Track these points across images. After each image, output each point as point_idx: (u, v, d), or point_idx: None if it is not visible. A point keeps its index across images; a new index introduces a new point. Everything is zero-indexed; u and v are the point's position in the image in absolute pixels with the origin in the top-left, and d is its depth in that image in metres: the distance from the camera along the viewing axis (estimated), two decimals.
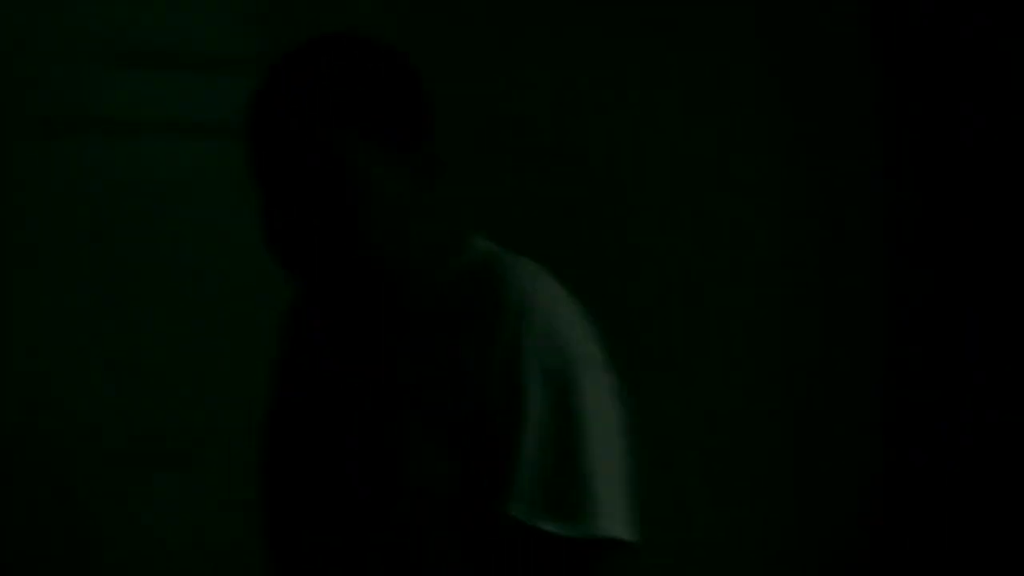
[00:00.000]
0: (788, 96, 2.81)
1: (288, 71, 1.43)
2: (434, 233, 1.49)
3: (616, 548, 1.39)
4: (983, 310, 2.82)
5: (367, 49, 1.45)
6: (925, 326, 2.91)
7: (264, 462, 1.58)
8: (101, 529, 2.18)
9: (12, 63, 2.02)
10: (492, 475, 1.38)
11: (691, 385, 2.73)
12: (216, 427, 2.25)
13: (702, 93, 2.72)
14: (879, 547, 2.89)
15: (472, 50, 2.44)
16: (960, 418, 2.84)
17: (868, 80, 2.88)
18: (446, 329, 1.44)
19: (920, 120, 2.88)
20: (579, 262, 1.95)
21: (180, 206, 2.15)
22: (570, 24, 2.55)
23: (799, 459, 2.86)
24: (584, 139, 2.65)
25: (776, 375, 2.82)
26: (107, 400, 2.21)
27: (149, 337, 2.19)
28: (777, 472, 2.82)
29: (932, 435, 2.89)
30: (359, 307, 1.46)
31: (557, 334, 1.41)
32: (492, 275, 1.45)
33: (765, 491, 2.78)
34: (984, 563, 2.78)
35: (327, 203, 1.39)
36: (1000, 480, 2.78)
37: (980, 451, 2.81)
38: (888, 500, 2.91)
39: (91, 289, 2.14)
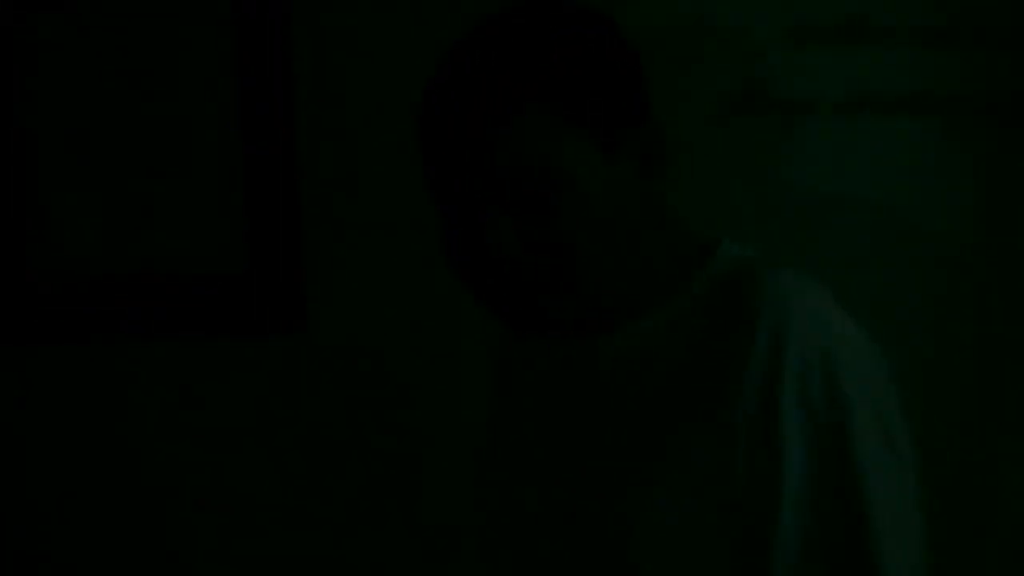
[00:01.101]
0: None
1: (468, 50, 1.11)
2: (670, 245, 1.17)
3: None
4: None
5: (563, 16, 1.13)
6: None
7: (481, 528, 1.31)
8: None
9: (695, 42, 1.92)
10: (744, 564, 1.07)
11: None
12: None
13: None
14: None
15: None
16: None
17: None
18: (684, 370, 1.12)
19: None
20: None
21: (859, 188, 1.95)
22: None
23: None
24: None
25: None
26: None
27: None
28: None
29: None
30: (571, 349, 1.17)
31: (829, 374, 1.04)
32: (740, 295, 1.11)
33: None
34: None
35: (526, 213, 1.08)
36: None
37: None
38: None
39: None
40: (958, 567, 1.85)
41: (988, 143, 1.95)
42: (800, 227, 1.84)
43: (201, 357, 2.03)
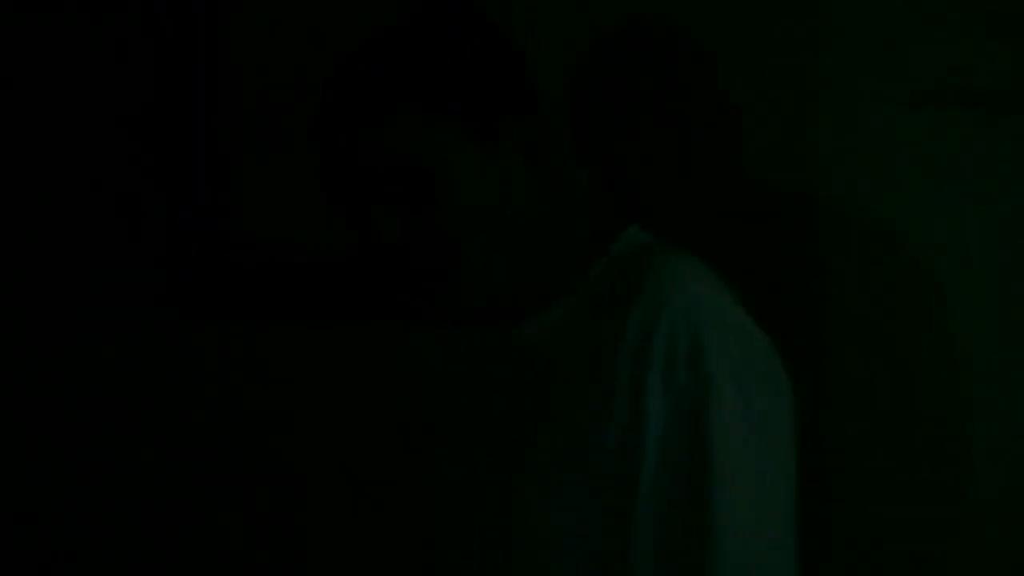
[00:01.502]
0: None
1: (347, 60, 1.21)
2: (578, 232, 1.23)
3: None
4: None
5: (435, 22, 1.21)
6: None
7: None
8: None
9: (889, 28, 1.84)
10: (613, 530, 1.13)
11: None
12: None
13: None
14: None
15: None
16: None
17: None
18: (577, 351, 1.18)
19: None
20: None
21: None
22: None
23: None
24: None
25: None
26: None
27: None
28: None
29: None
30: (490, 337, 1.26)
31: (694, 352, 1.09)
32: (631, 272, 1.17)
33: None
34: None
35: (409, 207, 1.16)
36: None
37: None
38: None
39: None
40: None
41: None
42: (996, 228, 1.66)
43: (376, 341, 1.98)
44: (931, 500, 1.59)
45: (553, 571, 1.17)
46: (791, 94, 1.72)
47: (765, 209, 1.73)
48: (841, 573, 1.61)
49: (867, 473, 1.61)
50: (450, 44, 1.19)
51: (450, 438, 1.42)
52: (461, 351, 1.45)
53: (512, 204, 1.18)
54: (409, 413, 1.89)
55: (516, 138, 1.19)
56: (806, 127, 1.72)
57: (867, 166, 1.71)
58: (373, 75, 1.17)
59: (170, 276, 2.01)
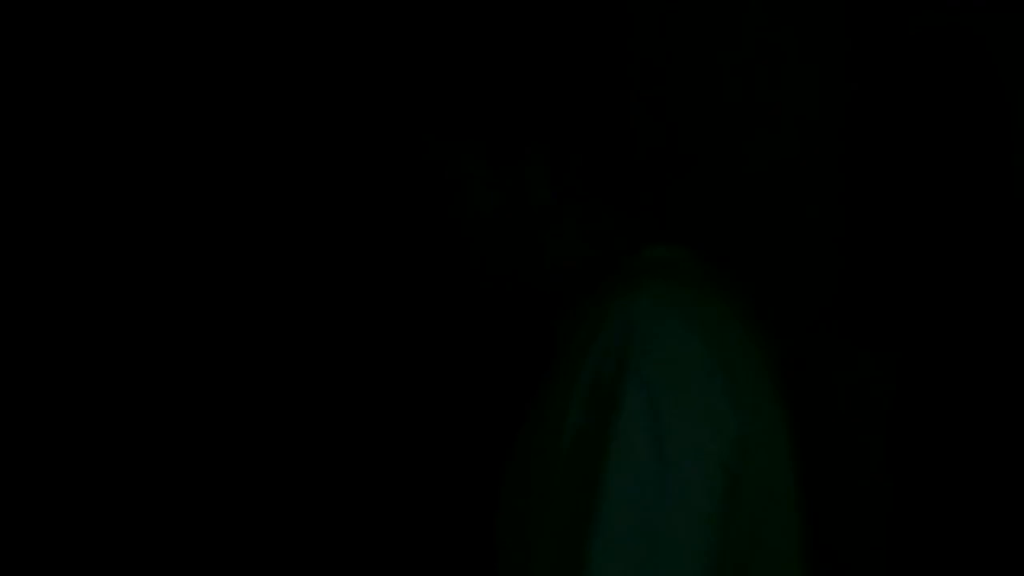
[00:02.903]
0: None
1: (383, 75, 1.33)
2: (577, 249, 1.27)
3: None
4: None
5: (465, 47, 1.25)
6: None
7: None
8: None
9: None
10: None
11: None
12: None
13: None
14: None
15: None
16: None
17: None
18: (568, 357, 1.20)
19: None
20: None
21: None
22: None
23: None
24: None
25: None
26: None
27: None
28: None
29: None
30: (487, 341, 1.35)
31: (619, 370, 1.11)
32: (610, 295, 1.18)
33: None
34: None
35: (427, 220, 1.25)
36: None
37: None
38: None
39: None
40: None
41: None
42: None
43: None
44: None
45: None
46: None
47: None
48: None
49: None
50: (478, 72, 1.24)
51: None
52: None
53: (517, 221, 1.25)
54: None
55: (537, 161, 1.25)
56: None
57: None
58: (409, 98, 1.25)
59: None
